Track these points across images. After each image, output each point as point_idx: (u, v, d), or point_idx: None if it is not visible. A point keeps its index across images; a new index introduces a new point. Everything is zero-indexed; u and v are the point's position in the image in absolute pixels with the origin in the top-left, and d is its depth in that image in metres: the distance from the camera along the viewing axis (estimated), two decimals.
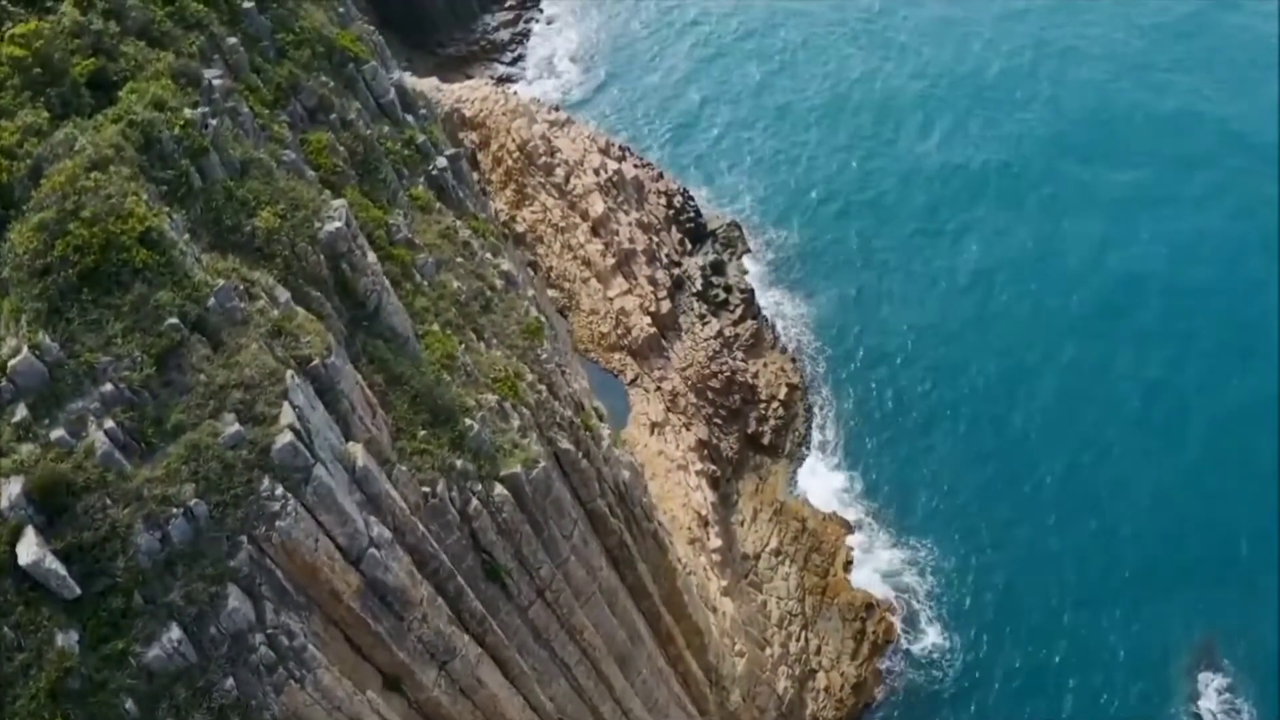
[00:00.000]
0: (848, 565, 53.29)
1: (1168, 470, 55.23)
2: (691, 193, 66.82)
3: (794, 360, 59.36)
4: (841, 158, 69.46)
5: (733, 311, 58.78)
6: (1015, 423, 57.45)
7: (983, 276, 61.85)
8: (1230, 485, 53.70)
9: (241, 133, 23.60)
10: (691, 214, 63.26)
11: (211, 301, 17.60)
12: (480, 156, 59.44)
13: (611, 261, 53.94)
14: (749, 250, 63.71)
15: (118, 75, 21.46)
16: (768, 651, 47.67)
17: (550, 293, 55.80)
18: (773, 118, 73.40)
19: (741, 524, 52.26)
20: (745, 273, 62.37)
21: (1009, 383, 58.16)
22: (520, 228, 56.85)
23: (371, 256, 23.82)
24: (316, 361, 19.01)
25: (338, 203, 22.94)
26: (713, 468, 51.46)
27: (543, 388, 28.02)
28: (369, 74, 31.84)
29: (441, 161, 32.14)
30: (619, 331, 52.14)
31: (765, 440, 54.97)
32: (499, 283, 29.87)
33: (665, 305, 54.88)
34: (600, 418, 41.07)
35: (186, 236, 19.32)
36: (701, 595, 42.60)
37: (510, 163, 57.12)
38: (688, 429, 51.40)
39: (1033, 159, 68.04)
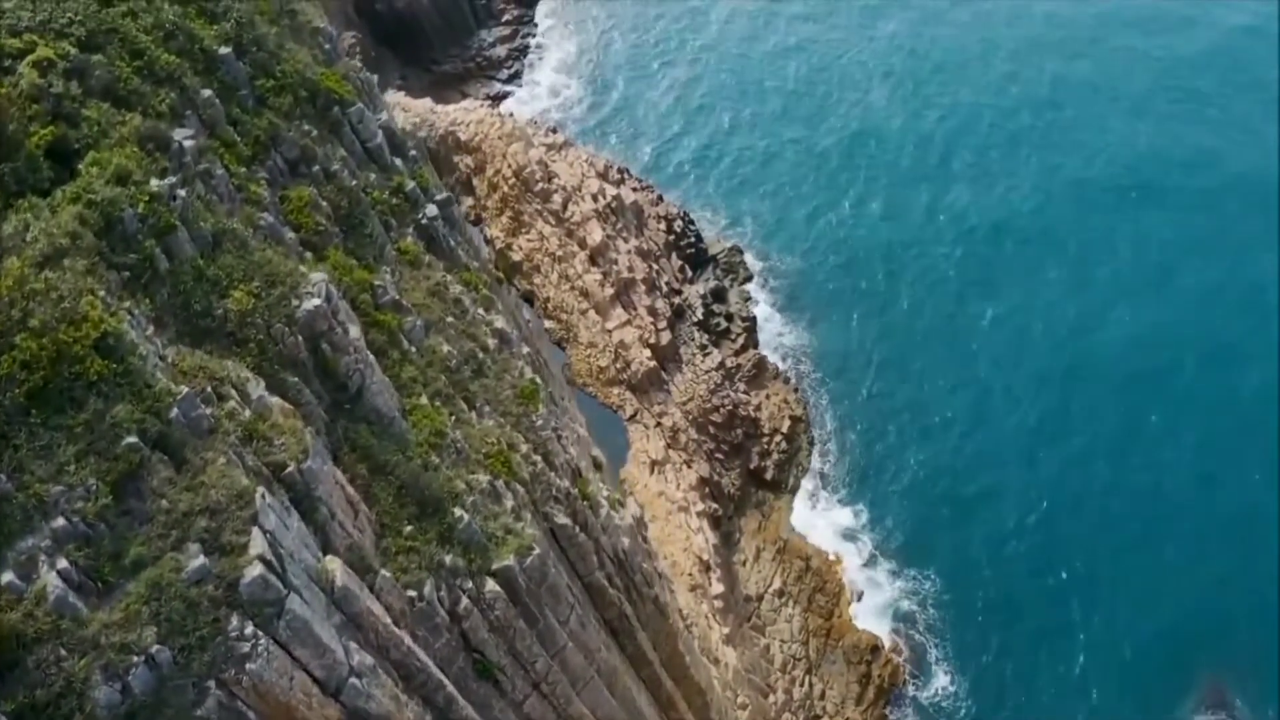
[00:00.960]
0: (852, 605, 51.91)
1: (1183, 510, 53.86)
2: (692, 215, 65.31)
3: (796, 390, 57.87)
4: (849, 180, 67.87)
5: (734, 341, 57.30)
6: (1023, 456, 56.02)
7: (990, 307, 60.32)
8: (1242, 536, 52.47)
9: (215, 198, 22.06)
10: (692, 239, 61.76)
11: (174, 412, 16.02)
12: (476, 181, 57.93)
13: (610, 292, 52.42)
14: (751, 276, 62.22)
15: (79, 143, 19.86)
16: (771, 699, 46.22)
17: (547, 323, 54.31)
18: (776, 136, 71.87)
19: (744, 564, 50.79)
20: (747, 299, 60.89)
21: (1018, 416, 56.73)
22: (516, 256, 55.33)
23: (354, 331, 22.28)
24: (292, 468, 17.49)
25: (316, 277, 21.37)
26: (714, 506, 49.99)
27: (538, 458, 26.48)
28: (355, 117, 30.26)
29: (431, 210, 30.59)
30: (618, 366, 50.63)
31: (768, 475, 53.49)
32: (492, 342, 28.33)
33: (665, 336, 53.38)
34: (598, 467, 39.61)
35: (150, 330, 17.79)
36: (703, 647, 41.14)
37: (506, 189, 55.57)
38: (689, 466, 49.91)
39: (1053, 195, 66.06)
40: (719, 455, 52.21)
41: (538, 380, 28.64)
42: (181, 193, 20.14)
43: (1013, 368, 57.83)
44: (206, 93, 24.09)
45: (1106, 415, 56.05)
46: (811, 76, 76.38)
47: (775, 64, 77.90)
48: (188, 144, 21.80)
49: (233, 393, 17.87)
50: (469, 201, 58.96)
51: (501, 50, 77.84)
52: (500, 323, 29.35)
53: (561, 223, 54.24)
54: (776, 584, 50.70)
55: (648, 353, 51.46)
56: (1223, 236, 63.00)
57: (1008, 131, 71.41)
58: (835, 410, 57.86)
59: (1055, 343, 58.53)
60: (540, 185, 55.07)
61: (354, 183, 27.69)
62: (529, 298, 55.35)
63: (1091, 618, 52.06)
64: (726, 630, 44.68)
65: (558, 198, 55.01)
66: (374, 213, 28.42)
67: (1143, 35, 78.91)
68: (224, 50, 25.79)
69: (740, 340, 57.27)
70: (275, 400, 19.27)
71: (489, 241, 56.98)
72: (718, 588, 45.06)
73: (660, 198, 63.47)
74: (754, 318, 59.49)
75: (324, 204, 26.29)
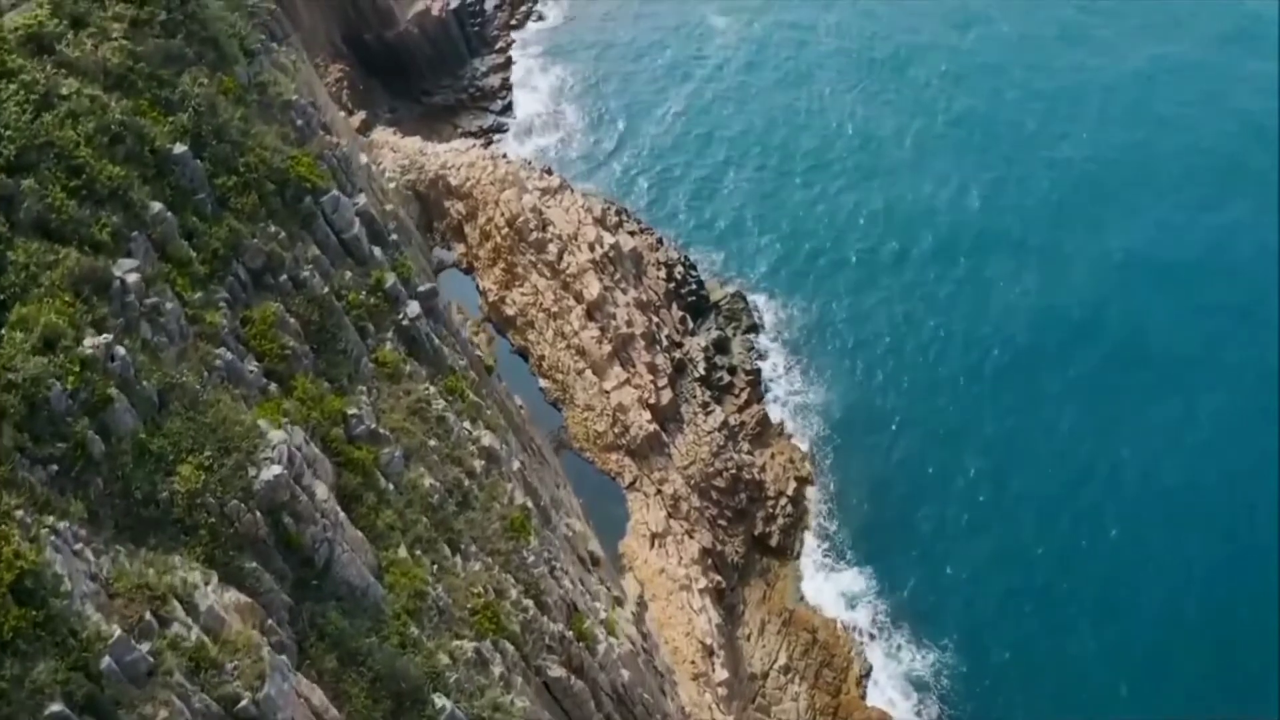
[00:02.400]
0: (862, 680, 49.46)
1: (1207, 571, 51.50)
2: (694, 258, 62.69)
3: (802, 448, 55.36)
4: (859, 221, 65.08)
5: (737, 396, 54.77)
6: (1040, 517, 53.52)
7: (1010, 358, 57.66)
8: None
9: (164, 339, 19.45)
10: (693, 285, 59.17)
11: (106, 662, 13.45)
12: (467, 229, 55.32)
13: (608, 349, 49.84)
14: (755, 324, 59.63)
15: (3, 294, 17.29)
16: None
17: (542, 383, 51.75)
18: (779, 171, 69.23)
19: (748, 638, 48.32)
20: (751, 349, 58.31)
21: (1036, 476, 54.19)
22: (510, 310, 52.73)
23: (321, 491, 19.70)
24: (246, 700, 14.91)
25: (276, 438, 18.77)
26: (718, 579, 47.49)
27: (529, 603, 23.92)
28: (329, 206, 27.62)
29: (413, 308, 27.98)
30: (616, 430, 48.07)
31: (772, 542, 51.00)
32: (478, 464, 25.75)
33: (666, 395, 50.82)
34: (596, 562, 37.07)
35: (82, 537, 15.21)
36: None
37: (499, 239, 52.95)
38: (690, 536, 47.40)
39: (1078, 228, 63.36)
40: (722, 522, 49.71)
41: (529, 506, 26.06)
42: (121, 350, 17.53)
43: (1031, 425, 55.26)
44: (156, 207, 21.43)
45: (1126, 476, 53.59)
46: (820, 108, 73.58)
47: (780, 95, 75.13)
48: (131, 279, 19.15)
49: (178, 609, 15.29)
50: (460, 249, 56.38)
51: (495, 80, 75.07)
52: (488, 439, 26.76)
53: (557, 275, 51.63)
54: (782, 659, 48.24)
55: (647, 415, 48.91)
56: None
57: (1048, 153, 68.69)
58: (842, 468, 55.31)
59: (1079, 400, 55.84)
60: (535, 235, 52.44)
61: (325, 290, 25.03)
62: (523, 353, 52.77)
63: (1117, 684, 49.75)
64: (731, 719, 42.22)
65: (553, 248, 52.39)
66: (349, 320, 25.80)
67: None
68: (179, 149, 23.10)
69: (744, 395, 54.76)
70: (230, 596, 16.75)
71: (482, 293, 54.38)
72: (721, 674, 42.58)
73: (660, 241, 60.87)
74: (758, 370, 56.95)
75: (291, 321, 23.67)
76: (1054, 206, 64.95)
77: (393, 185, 55.71)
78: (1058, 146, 68.78)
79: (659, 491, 47.68)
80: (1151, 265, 59.23)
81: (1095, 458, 54.00)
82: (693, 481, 49.02)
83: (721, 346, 56.85)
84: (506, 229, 52.64)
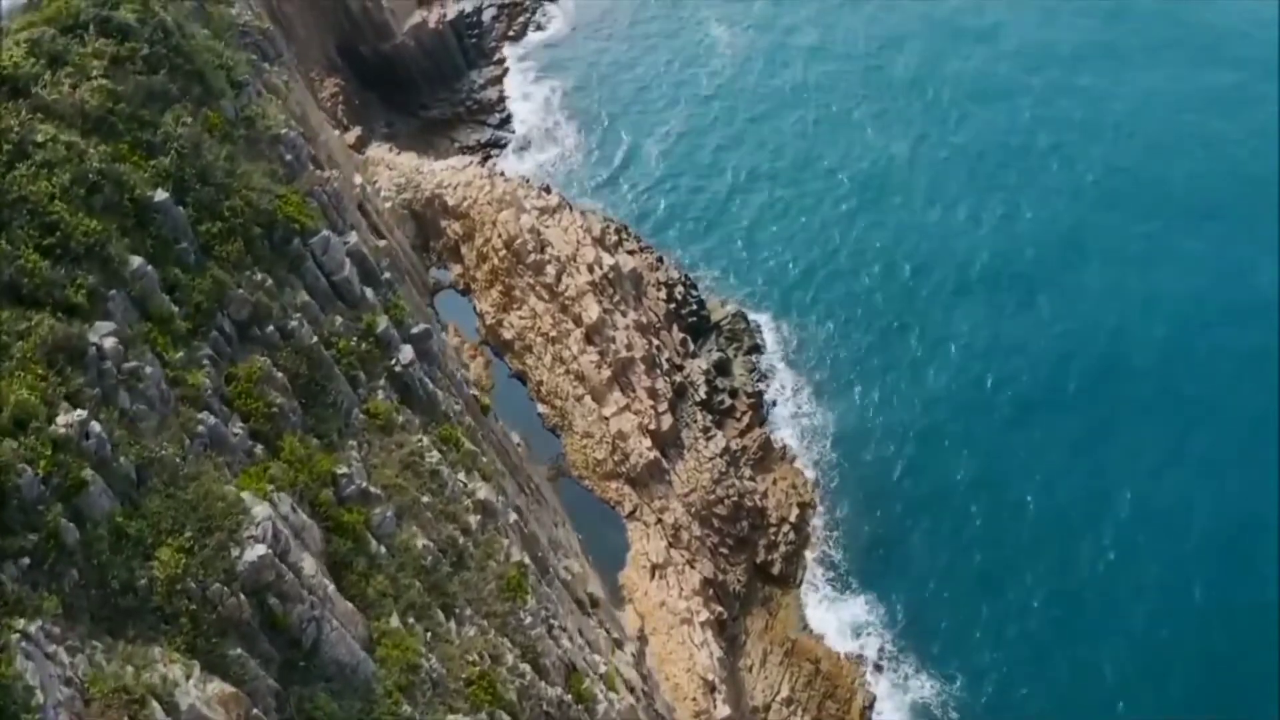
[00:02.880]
0: (866, 711, 48.52)
1: (1229, 606, 50.31)
2: (694, 276, 61.68)
3: (805, 473, 54.42)
4: (865, 240, 63.90)
5: (739, 420, 53.84)
6: (1055, 544, 52.17)
7: (1021, 384, 56.55)
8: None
9: (143, 406, 18.52)
10: (694, 305, 58.21)
11: None
12: (464, 249, 54.36)
13: (607, 374, 48.89)
14: (756, 345, 58.66)
15: None
16: None
17: (540, 408, 50.82)
18: (782, 186, 68.10)
19: (750, 669, 47.38)
20: (752, 370, 57.36)
21: (1051, 502, 53.06)
22: (508, 334, 51.75)
23: (309, 566, 18.76)
24: None
25: (260, 513, 17.84)
26: (719, 610, 46.55)
27: (525, 667, 23.01)
28: (319, 248, 26.71)
29: (406, 354, 27.05)
30: (616, 458, 47.14)
31: (775, 569, 50.07)
32: (474, 519, 24.83)
33: (666, 420, 49.86)
34: (595, 604, 36.17)
35: (55, 636, 14.29)
36: None
37: (497, 261, 51.98)
38: (691, 566, 46.46)
39: (1092, 256, 61.68)
40: (723, 550, 48.77)
41: (525, 563, 25.13)
42: (97, 426, 16.61)
43: (1041, 453, 54.24)
44: (136, 261, 20.49)
45: (1136, 504, 52.62)
46: (824, 123, 72.41)
47: (784, 109, 74.05)
48: (108, 344, 18.23)
49: (157, 711, 14.36)
50: (457, 269, 55.42)
51: (493, 93, 74.09)
52: (483, 492, 25.83)
53: (555, 298, 50.67)
54: (784, 691, 47.30)
55: (648, 442, 47.95)
56: None
57: (1062, 173, 67.05)
58: (846, 492, 54.33)
59: (1090, 429, 54.73)
60: (533, 257, 51.46)
61: (314, 340, 24.08)
62: (522, 377, 51.82)
63: (1133, 712, 48.63)
64: None
65: (551, 269, 51.41)
66: (339, 370, 24.88)
67: None
68: (160, 196, 22.18)
69: (745, 418, 53.82)
70: (214, 688, 15.78)
71: (479, 315, 53.42)
72: (723, 710, 41.65)
73: (660, 260, 59.89)
74: (760, 392, 56.01)
75: (279, 375, 22.74)
76: (1067, 232, 63.37)
77: (388, 205, 54.79)
78: (1073, 169, 67.16)
79: (659, 520, 46.74)
80: (1166, 298, 57.95)
81: (1106, 486, 52.97)
82: (693, 509, 48.09)
83: (723, 368, 55.93)
84: (504, 251, 51.67)
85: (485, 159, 67.53)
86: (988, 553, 52.28)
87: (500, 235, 51.95)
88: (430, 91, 72.31)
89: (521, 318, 50.80)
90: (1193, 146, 67.67)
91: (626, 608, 44.57)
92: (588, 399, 48.10)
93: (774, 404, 56.82)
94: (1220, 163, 66.20)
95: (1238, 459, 52.85)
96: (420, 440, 25.20)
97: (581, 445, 47.87)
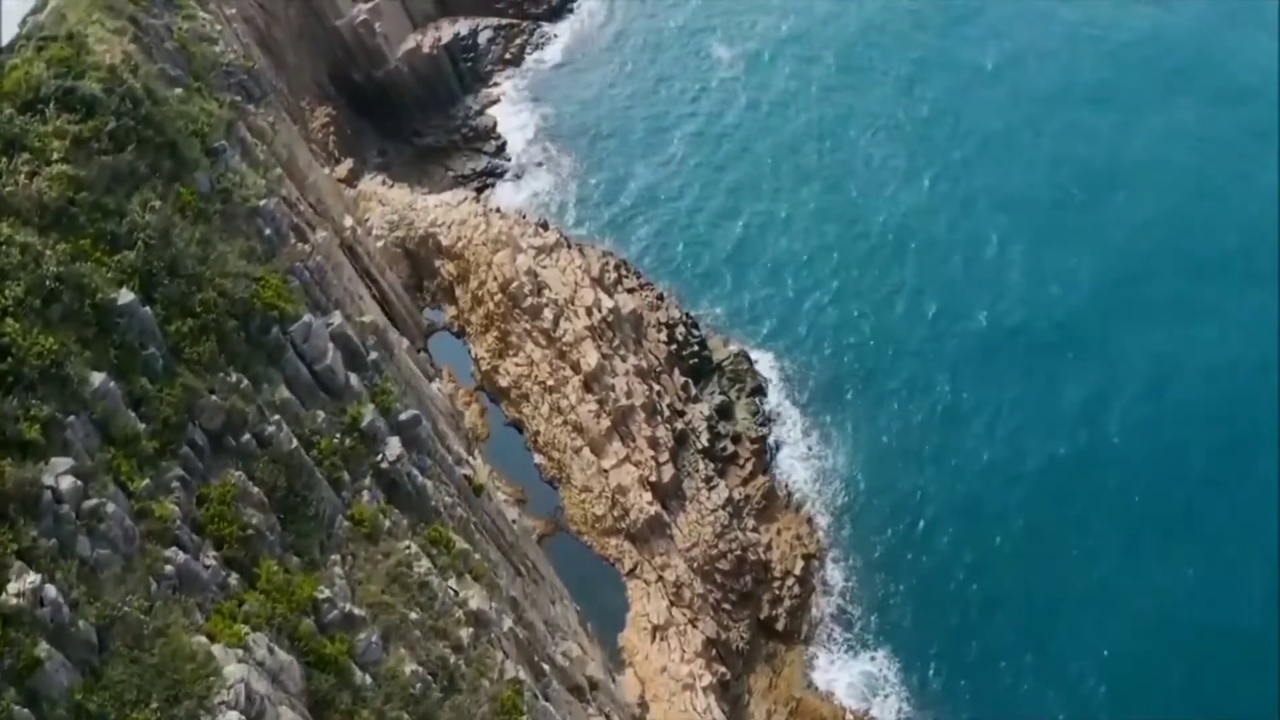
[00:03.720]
0: None
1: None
2: (695, 313, 59.86)
3: (810, 521, 52.76)
4: (882, 278, 61.56)
5: (741, 467, 52.23)
6: (1075, 589, 50.03)
7: (1050, 429, 54.53)
8: None
9: (105, 551, 16.87)
10: (695, 346, 56.51)
11: None
12: (459, 291, 52.69)
13: (606, 424, 47.27)
14: (760, 386, 56.98)
15: None
16: None
17: (537, 458, 49.18)
18: (787, 220, 66.19)
19: None
20: (755, 413, 55.65)
21: (1067, 550, 51.11)
22: (504, 381, 50.09)
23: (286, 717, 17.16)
24: None
25: (233, 675, 16.23)
26: (722, 670, 44.95)
27: None
28: (299, 335, 25.01)
29: (393, 449, 25.39)
30: (615, 514, 45.51)
31: (779, 625, 48.43)
32: (465, 633, 23.17)
33: (667, 471, 48.24)
34: (594, 687, 34.56)
35: None
36: None
37: (492, 305, 50.34)
38: (694, 626, 44.85)
39: (1117, 311, 58.46)
40: (726, 606, 47.16)
41: (520, 679, 23.48)
42: (52, 591, 15.02)
43: (1062, 498, 52.36)
44: (97, 379, 18.80)
45: (1169, 557, 50.49)
46: (830, 151, 69.98)
47: (787, 136, 71.91)
48: (65, 485, 16.58)
49: None
50: (451, 311, 53.75)
51: (488, 120, 72.33)
52: (475, 601, 24.19)
53: (553, 343, 49.03)
54: None
55: (648, 495, 46.33)
56: None
57: (1080, 216, 63.94)
58: (852, 543, 52.60)
59: (1119, 475, 52.72)
60: (529, 300, 49.80)
61: (294, 445, 22.42)
62: (519, 425, 50.18)
63: None
64: None
65: (548, 313, 49.77)
66: (321, 473, 23.22)
67: None
68: (125, 298, 20.48)
69: (748, 466, 52.23)
70: None
71: (475, 360, 51.78)
72: None
73: (660, 298, 58.18)
74: (763, 438, 54.35)
75: (255, 490, 21.09)
76: (1090, 284, 60.64)
77: (381, 244, 53.16)
78: (1092, 217, 63.80)
79: (660, 578, 45.13)
80: (1197, 364, 55.75)
81: (1130, 539, 50.98)
82: (695, 565, 46.48)
83: (725, 412, 54.29)
84: (500, 294, 50.01)
85: (481, 189, 65.80)
86: (1014, 608, 50.22)
87: (495, 279, 50.31)
88: (425, 118, 70.54)
89: (518, 364, 49.17)
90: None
91: (626, 671, 43.00)
92: (586, 451, 46.48)
93: (778, 449, 55.15)
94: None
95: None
96: (408, 547, 23.54)
97: (580, 500, 46.26)
